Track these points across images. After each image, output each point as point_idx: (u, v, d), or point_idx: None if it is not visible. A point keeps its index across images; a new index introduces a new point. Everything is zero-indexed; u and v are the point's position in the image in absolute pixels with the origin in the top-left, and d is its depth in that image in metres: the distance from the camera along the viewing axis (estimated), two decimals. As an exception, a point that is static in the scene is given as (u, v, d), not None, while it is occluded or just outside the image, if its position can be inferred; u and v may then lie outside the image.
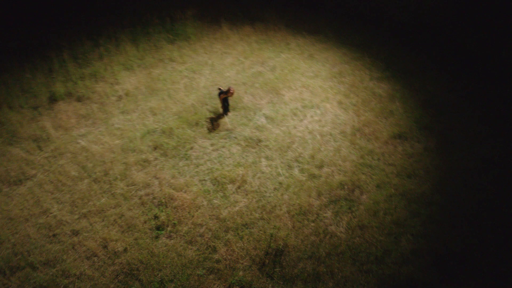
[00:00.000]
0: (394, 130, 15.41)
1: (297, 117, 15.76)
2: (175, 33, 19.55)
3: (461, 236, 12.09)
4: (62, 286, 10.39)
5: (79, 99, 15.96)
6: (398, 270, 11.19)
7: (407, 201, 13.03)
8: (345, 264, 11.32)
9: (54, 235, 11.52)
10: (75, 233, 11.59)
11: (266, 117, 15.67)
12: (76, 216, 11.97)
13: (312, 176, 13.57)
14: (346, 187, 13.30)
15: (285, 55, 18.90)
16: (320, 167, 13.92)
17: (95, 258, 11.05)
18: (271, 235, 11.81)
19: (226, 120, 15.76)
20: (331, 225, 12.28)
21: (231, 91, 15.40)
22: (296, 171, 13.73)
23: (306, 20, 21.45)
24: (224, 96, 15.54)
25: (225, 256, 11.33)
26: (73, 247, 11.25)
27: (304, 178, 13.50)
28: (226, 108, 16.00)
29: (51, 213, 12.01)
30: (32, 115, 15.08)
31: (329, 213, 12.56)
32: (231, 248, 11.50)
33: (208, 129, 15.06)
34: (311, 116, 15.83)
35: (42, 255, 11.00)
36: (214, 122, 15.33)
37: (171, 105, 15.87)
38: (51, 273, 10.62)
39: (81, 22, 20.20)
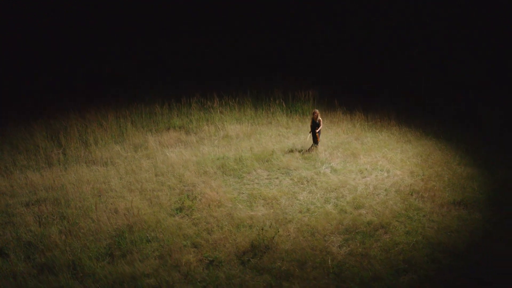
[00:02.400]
0: (456, 197, 13.11)
1: (362, 174, 14.60)
2: (292, 108, 20.38)
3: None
4: (75, 219, 11.30)
5: (186, 132, 17.74)
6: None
7: (431, 249, 10.81)
8: (324, 276, 9.79)
9: (99, 195, 12.72)
10: (115, 196, 12.52)
11: (332, 168, 14.91)
12: (125, 189, 13.01)
13: (343, 211, 12.28)
14: (371, 226, 11.65)
15: (382, 136, 17.87)
16: (357, 208, 12.52)
17: (115, 213, 11.74)
18: (262, 228, 10.95)
19: (316, 150, 16.14)
20: (333, 246, 10.81)
21: (315, 114, 16.00)
22: (329, 205, 12.60)
23: (419, 117, 20.04)
24: (311, 121, 16.24)
25: (215, 239, 10.91)
26: (105, 203, 12.18)
27: (334, 211, 12.30)
28: (314, 139, 16.32)
29: (109, 183, 13.27)
30: (144, 133, 17.26)
31: (338, 238, 11.15)
32: (224, 235, 11.02)
33: (273, 165, 14.98)
34: (376, 176, 14.49)
35: (80, 202, 12.22)
36: (282, 161, 15.18)
37: (255, 146, 16.37)
38: (76, 212, 11.69)
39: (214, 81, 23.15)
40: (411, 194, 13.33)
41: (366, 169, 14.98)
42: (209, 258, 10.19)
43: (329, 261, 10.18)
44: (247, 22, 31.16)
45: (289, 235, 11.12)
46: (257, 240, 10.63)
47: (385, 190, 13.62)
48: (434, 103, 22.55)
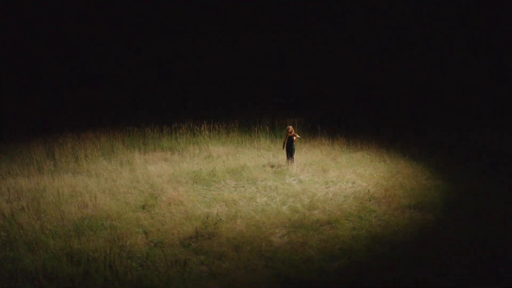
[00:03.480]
0: (412, 202, 13.38)
1: (326, 185, 15.06)
2: (278, 134, 21.25)
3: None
4: (45, 209, 12.38)
5: (172, 152, 18.84)
6: (306, 274, 9.61)
7: (371, 241, 11.10)
8: (256, 257, 10.30)
9: (74, 195, 13.76)
10: (87, 195, 13.53)
11: (298, 180, 15.49)
12: (99, 192, 13.99)
13: (295, 211, 12.79)
14: (319, 223, 12.08)
15: (357, 156, 18.32)
16: (310, 209, 12.99)
17: (83, 209, 12.69)
18: (207, 217, 11.65)
19: (290, 165, 16.80)
20: (274, 236, 11.33)
21: (289, 129, 17.01)
22: (285, 207, 13.13)
23: (401, 145, 20.33)
24: (286, 137, 17.21)
25: (165, 227, 11.63)
26: (77, 200, 13.20)
27: (286, 211, 12.83)
28: (288, 151, 17.19)
29: (87, 187, 14.35)
30: (132, 152, 18.45)
31: (282, 231, 11.64)
32: (174, 225, 11.73)
33: (243, 176, 15.73)
34: (340, 186, 14.92)
35: (55, 198, 13.28)
36: (252, 174, 15.91)
37: (231, 162, 17.24)
38: (48, 204, 12.75)
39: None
40: (369, 200, 13.69)
41: (332, 181, 15.46)
42: (154, 241, 10.94)
43: (264, 245, 10.72)
44: (247, 22, 31.67)
45: (236, 227, 11.72)
46: (202, 228, 11.33)
47: (344, 196, 14.03)
48: (422, 122, 23.09)
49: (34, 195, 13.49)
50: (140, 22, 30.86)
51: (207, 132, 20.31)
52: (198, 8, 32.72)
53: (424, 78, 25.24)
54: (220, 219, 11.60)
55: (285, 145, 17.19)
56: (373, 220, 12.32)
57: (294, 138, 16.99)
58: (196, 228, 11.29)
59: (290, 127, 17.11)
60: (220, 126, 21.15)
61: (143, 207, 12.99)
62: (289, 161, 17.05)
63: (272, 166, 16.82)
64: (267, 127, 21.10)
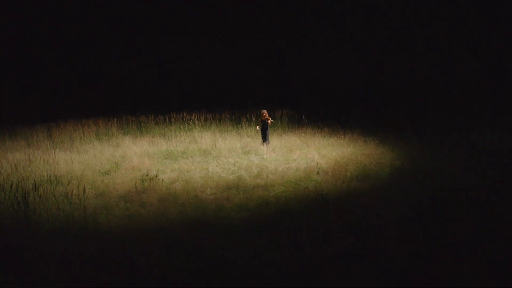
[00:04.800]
0: (357, 174, 13.70)
1: (285, 162, 15.65)
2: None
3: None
4: (18, 170, 13.91)
5: (160, 137, 20.17)
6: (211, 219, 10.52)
7: (292, 200, 11.53)
8: (174, 206, 11.20)
9: (52, 163, 15.29)
10: (63, 163, 15.04)
11: (262, 158, 16.21)
12: (75, 162, 15.50)
13: (238, 178, 13.53)
14: (253, 186, 12.75)
15: (330, 141, 18.69)
16: (254, 177, 13.66)
17: (53, 171, 14.11)
18: (147, 174, 12.73)
19: (263, 148, 17.52)
20: (203, 193, 12.14)
21: (264, 114, 17.95)
22: (232, 176, 13.90)
23: (382, 136, 20.40)
24: (260, 121, 18.13)
25: (113, 185, 12.78)
26: (51, 166, 14.66)
27: (230, 178, 13.56)
28: (263, 136, 18.08)
29: (68, 158, 15.90)
30: (124, 136, 19.92)
31: (214, 191, 12.48)
32: (121, 183, 12.91)
33: (211, 154, 16.69)
34: (298, 163, 15.43)
35: (33, 162, 14.90)
36: (220, 152, 16.85)
37: (208, 144, 18.30)
38: (24, 166, 14.37)
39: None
40: (318, 173, 14.08)
41: (293, 159, 16.02)
42: (97, 193, 12.12)
43: (186, 198, 11.54)
44: (247, 22, 32.35)
45: (173, 186, 12.62)
46: (140, 184, 12.38)
47: (295, 170, 14.52)
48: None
49: (17, 161, 15.18)
50: (140, 22, 32.50)
51: (196, 120, 21.54)
52: (198, 8, 33.47)
53: (424, 78, 25.02)
54: (157, 175, 12.61)
55: (261, 128, 17.99)
56: (308, 187, 12.74)
57: (269, 121, 17.79)
58: (135, 184, 12.38)
59: (265, 111, 17.93)
60: (211, 117, 22.35)
61: (106, 172, 14.30)
62: (264, 143, 17.78)
63: (244, 148, 17.62)
64: (253, 117, 22.01)
